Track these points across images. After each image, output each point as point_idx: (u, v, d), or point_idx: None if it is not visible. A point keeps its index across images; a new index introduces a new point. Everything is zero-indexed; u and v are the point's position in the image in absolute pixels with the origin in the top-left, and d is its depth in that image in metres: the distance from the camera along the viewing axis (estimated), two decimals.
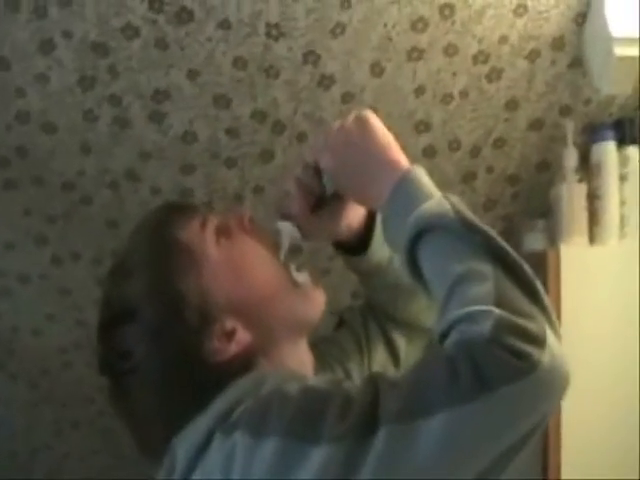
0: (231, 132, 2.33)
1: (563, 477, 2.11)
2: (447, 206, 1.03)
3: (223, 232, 1.23)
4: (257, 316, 1.19)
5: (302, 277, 1.25)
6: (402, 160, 1.15)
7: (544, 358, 0.89)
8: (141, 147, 2.38)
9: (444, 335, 0.95)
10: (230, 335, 1.16)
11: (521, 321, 0.91)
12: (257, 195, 2.47)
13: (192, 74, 2.21)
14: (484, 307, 0.92)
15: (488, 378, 0.88)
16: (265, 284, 1.21)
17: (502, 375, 0.88)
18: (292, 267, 1.25)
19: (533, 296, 0.95)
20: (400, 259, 1.09)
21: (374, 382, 0.97)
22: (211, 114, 2.29)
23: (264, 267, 1.23)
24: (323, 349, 1.38)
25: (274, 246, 1.26)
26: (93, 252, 2.65)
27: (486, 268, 0.96)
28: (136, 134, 2.34)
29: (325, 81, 2.22)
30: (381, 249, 1.33)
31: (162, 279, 1.17)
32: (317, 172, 1.25)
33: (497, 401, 0.88)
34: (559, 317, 2.10)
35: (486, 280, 0.95)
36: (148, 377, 1.15)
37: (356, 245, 1.34)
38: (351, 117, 1.20)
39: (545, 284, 2.18)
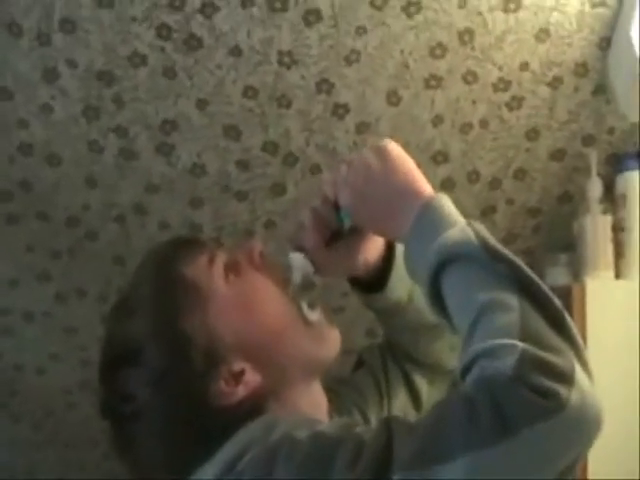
0: (241, 164, 2.28)
1: None
2: (470, 234, 0.99)
3: (232, 268, 1.18)
4: (267, 356, 1.14)
5: (315, 315, 1.19)
6: (425, 188, 1.10)
7: (572, 396, 0.84)
8: (148, 180, 2.33)
9: (466, 369, 0.90)
10: (238, 377, 1.11)
11: (547, 356, 0.85)
12: (268, 230, 2.42)
13: (201, 104, 2.16)
14: (508, 340, 0.87)
15: (510, 419, 0.82)
16: (275, 322, 1.16)
17: (526, 415, 0.83)
18: (304, 304, 1.19)
19: (561, 329, 0.90)
20: (423, 291, 1.04)
21: (388, 425, 0.92)
22: (221, 145, 2.25)
23: (274, 304, 1.18)
24: (340, 392, 1.33)
25: (285, 282, 1.21)
26: (99, 289, 2.61)
27: (511, 298, 0.92)
28: (143, 166, 2.30)
29: (339, 110, 2.17)
30: (400, 286, 1.28)
31: (167, 318, 1.12)
32: (335, 206, 1.20)
33: (521, 444, 0.82)
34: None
35: (511, 311, 0.90)
36: (151, 422, 1.10)
37: (374, 282, 1.28)
38: (370, 148, 1.15)
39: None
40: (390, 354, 1.38)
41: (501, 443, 0.82)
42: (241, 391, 1.10)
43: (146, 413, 1.10)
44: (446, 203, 1.07)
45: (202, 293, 1.13)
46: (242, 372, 1.11)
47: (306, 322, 1.18)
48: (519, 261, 0.97)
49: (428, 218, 1.04)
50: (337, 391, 1.31)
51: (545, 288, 0.94)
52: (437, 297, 1.01)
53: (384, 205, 1.11)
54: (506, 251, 0.98)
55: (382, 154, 1.12)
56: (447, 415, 0.87)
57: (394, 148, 1.13)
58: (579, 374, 0.85)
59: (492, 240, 0.99)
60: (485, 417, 0.83)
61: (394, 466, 0.86)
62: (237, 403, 1.10)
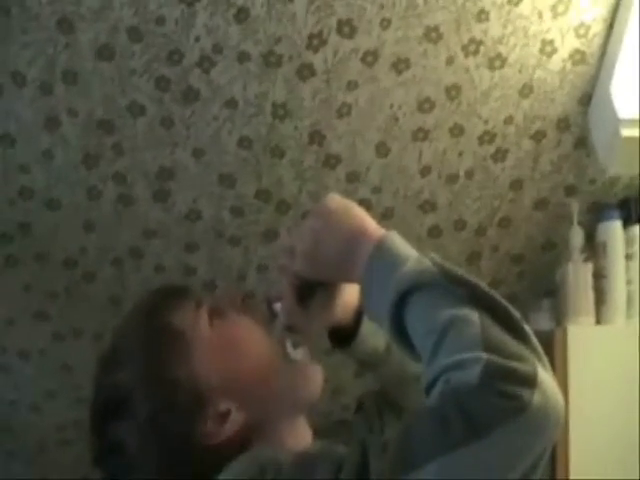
0: (235, 211, 2.33)
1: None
2: (427, 263, 1.01)
3: (216, 313, 1.20)
4: (251, 395, 1.16)
5: (298, 354, 1.21)
6: (373, 231, 1.09)
7: (535, 397, 0.86)
8: (145, 225, 2.38)
9: (431, 384, 0.93)
10: (225, 416, 1.13)
11: (510, 363, 0.88)
12: (261, 274, 2.46)
13: (197, 153, 2.22)
14: (472, 353, 0.90)
15: (479, 423, 0.86)
16: (259, 363, 1.18)
17: (493, 418, 0.86)
18: (288, 344, 1.21)
19: (522, 338, 0.93)
20: (384, 327, 1.04)
21: (363, 444, 0.94)
22: (216, 193, 2.29)
23: (258, 345, 1.20)
24: (333, 431, 1.34)
25: (269, 324, 1.23)
26: (95, 329, 2.63)
27: (472, 314, 0.94)
28: (140, 212, 2.34)
29: (331, 161, 2.23)
30: (374, 334, 1.28)
31: (154, 367, 1.14)
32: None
33: (490, 445, 0.86)
34: (566, 397, 2.11)
35: (472, 325, 0.93)
36: (142, 469, 1.13)
37: (352, 331, 1.28)
38: (311, 211, 1.17)
39: (552, 364, 2.12)
40: (384, 400, 1.39)
41: (471, 445, 0.85)
42: (228, 430, 1.12)
43: (136, 461, 1.13)
44: (397, 240, 1.07)
45: (187, 339, 1.15)
46: (228, 412, 1.13)
47: (289, 361, 1.20)
48: (476, 279, 0.99)
49: (382, 258, 1.05)
50: (330, 430, 1.34)
51: (504, 302, 0.97)
52: (400, 332, 1.02)
53: (338, 259, 1.11)
54: (462, 272, 1.00)
55: (321, 212, 1.13)
56: (417, 425, 0.90)
57: (332, 200, 1.14)
58: (541, 376, 0.88)
59: (448, 264, 1.01)
60: (454, 422, 0.86)
61: (371, 477, 0.89)
62: (225, 441, 1.12)
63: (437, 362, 0.93)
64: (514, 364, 0.88)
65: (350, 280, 1.15)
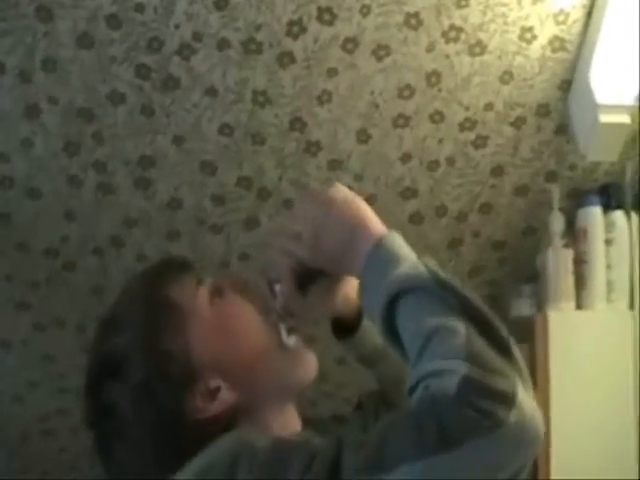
0: (217, 199, 2.34)
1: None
2: (422, 268, 1.02)
3: (217, 292, 1.21)
4: (243, 377, 1.17)
5: (292, 340, 1.22)
6: (375, 228, 1.10)
7: (510, 416, 0.87)
8: (126, 213, 2.38)
9: (413, 388, 0.94)
10: (214, 393, 1.14)
11: (490, 378, 0.89)
12: (243, 262, 2.46)
13: (178, 141, 2.22)
14: (453, 363, 0.91)
15: (451, 435, 0.87)
16: (253, 346, 1.19)
17: (465, 432, 0.87)
18: (283, 330, 1.22)
19: (506, 354, 0.94)
20: (376, 324, 1.06)
21: (339, 440, 0.95)
22: (197, 181, 2.30)
23: (254, 328, 1.21)
24: (329, 427, 1.33)
25: (266, 308, 1.24)
26: (77, 318, 2.63)
27: (459, 324, 0.95)
28: (121, 200, 2.34)
29: (311, 148, 2.24)
30: (374, 330, 1.25)
31: (150, 335, 1.15)
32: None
33: (461, 456, 0.87)
34: (547, 382, 2.13)
35: (458, 335, 0.94)
36: (130, 433, 1.14)
37: (354, 325, 1.30)
38: (316, 199, 1.17)
39: (533, 349, 2.19)
40: (382, 400, 1.39)
41: (443, 454, 0.86)
42: (216, 407, 1.13)
43: (125, 424, 1.14)
44: (397, 240, 1.08)
45: (185, 314, 1.16)
46: (218, 389, 1.14)
47: (284, 347, 1.21)
48: (468, 291, 1.00)
49: (379, 257, 1.06)
50: (326, 425, 1.33)
51: (493, 316, 0.98)
52: (391, 331, 1.03)
53: (338, 250, 1.12)
54: (456, 282, 1.01)
55: (326, 201, 1.14)
56: (393, 427, 0.91)
57: (339, 193, 1.15)
58: (521, 396, 0.89)
59: (442, 273, 1.02)
60: (428, 429, 0.87)
61: (343, 476, 0.90)
62: (211, 418, 1.13)
63: (420, 366, 0.94)
64: (494, 380, 0.89)
65: (349, 273, 1.17)
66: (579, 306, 2.27)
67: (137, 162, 2.26)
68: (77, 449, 2.94)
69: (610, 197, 2.32)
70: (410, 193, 2.34)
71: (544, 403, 2.14)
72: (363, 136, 2.22)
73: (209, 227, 2.40)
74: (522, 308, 2.38)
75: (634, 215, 2.31)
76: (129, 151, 2.24)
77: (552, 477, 2.13)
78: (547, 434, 2.13)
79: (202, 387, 1.14)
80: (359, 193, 1.13)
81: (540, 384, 2.16)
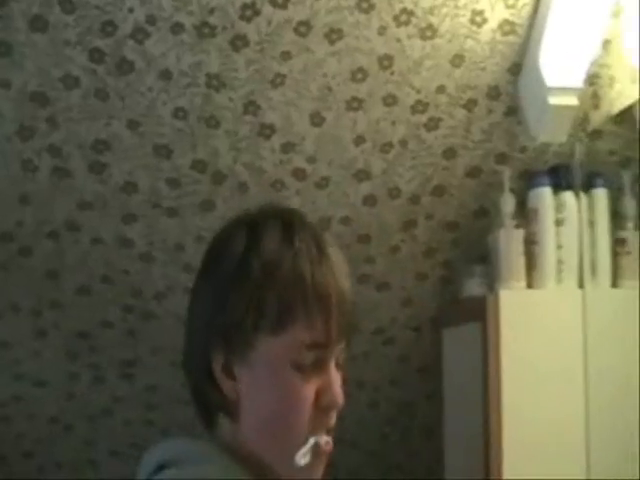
0: (172, 182, 2.34)
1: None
2: None
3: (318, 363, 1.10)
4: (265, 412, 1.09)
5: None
6: None
7: None
8: (81, 197, 2.38)
9: None
10: (229, 373, 1.09)
11: None
12: (199, 245, 2.46)
13: (132, 124, 2.22)
14: None
15: None
16: (288, 409, 1.08)
17: None
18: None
19: None
20: None
21: None
22: (152, 164, 2.30)
23: (300, 401, 1.08)
24: None
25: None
26: (32, 304, 2.63)
27: None
28: (76, 184, 2.34)
29: (265, 131, 2.25)
30: None
31: (229, 285, 1.09)
32: None
33: None
34: (499, 360, 2.17)
35: None
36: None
37: None
38: None
39: (485, 328, 2.23)
40: None
41: None
42: (224, 383, 1.08)
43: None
44: None
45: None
46: (236, 378, 1.08)
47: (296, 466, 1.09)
48: None
49: None
50: None
51: None
52: None
53: None
54: None
55: None
56: None
57: None
58: None
59: None
60: None
61: None
62: (215, 386, 1.09)
63: None
64: None
65: None
66: (530, 285, 2.30)
67: (92, 146, 2.26)
68: (33, 436, 2.95)
69: (560, 178, 2.35)
70: (364, 175, 2.36)
71: (496, 381, 2.18)
72: (317, 119, 2.24)
73: (165, 210, 2.41)
74: (474, 288, 2.41)
75: (583, 195, 2.34)
76: (83, 135, 2.24)
77: (504, 453, 2.16)
78: (499, 411, 2.18)
79: (228, 356, 1.09)
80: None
81: (492, 362, 2.20)
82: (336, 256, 1.11)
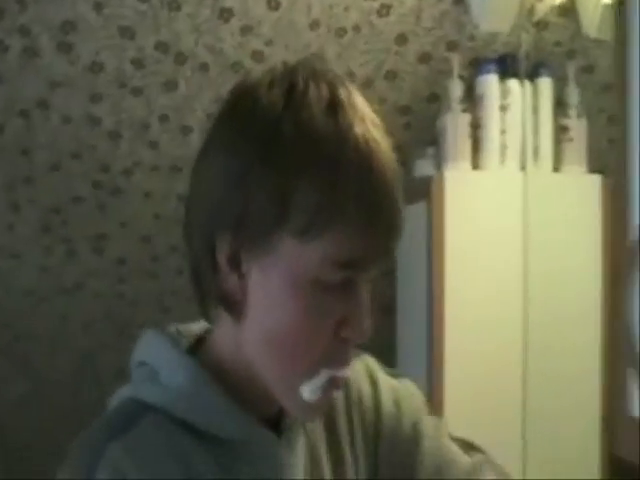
0: (136, 62, 2.42)
1: None
2: None
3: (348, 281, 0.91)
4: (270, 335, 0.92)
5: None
6: None
7: None
8: (51, 77, 2.45)
9: None
10: (235, 267, 0.92)
11: None
12: (163, 123, 2.56)
13: (98, 6, 2.29)
14: None
15: None
16: (310, 338, 0.91)
17: None
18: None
19: None
20: None
21: None
22: (117, 45, 2.38)
23: (314, 321, 0.91)
24: None
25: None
26: (5, 179, 2.71)
27: None
28: (45, 64, 2.41)
29: (225, 14, 2.32)
30: None
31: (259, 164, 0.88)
32: None
33: None
34: (442, 237, 2.26)
35: None
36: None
37: None
38: None
39: (430, 207, 2.34)
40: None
41: None
42: (228, 277, 0.92)
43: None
44: None
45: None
46: (246, 274, 0.92)
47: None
48: None
49: None
50: None
51: None
52: None
53: None
54: None
55: None
56: None
57: None
58: None
59: None
60: None
61: None
62: (220, 280, 0.93)
63: None
64: None
65: None
66: (475, 166, 2.40)
67: (60, 27, 2.33)
68: (9, 306, 3.05)
69: (507, 66, 2.42)
70: (318, 60, 2.44)
71: (439, 257, 2.30)
72: (273, 3, 2.31)
73: (130, 89, 2.49)
74: (425, 168, 2.50)
75: (528, 84, 2.42)
76: (51, 16, 2.30)
77: (446, 326, 2.29)
78: (441, 287, 2.30)
79: (241, 254, 0.91)
80: None
81: (436, 239, 2.30)
82: (388, 152, 0.93)
